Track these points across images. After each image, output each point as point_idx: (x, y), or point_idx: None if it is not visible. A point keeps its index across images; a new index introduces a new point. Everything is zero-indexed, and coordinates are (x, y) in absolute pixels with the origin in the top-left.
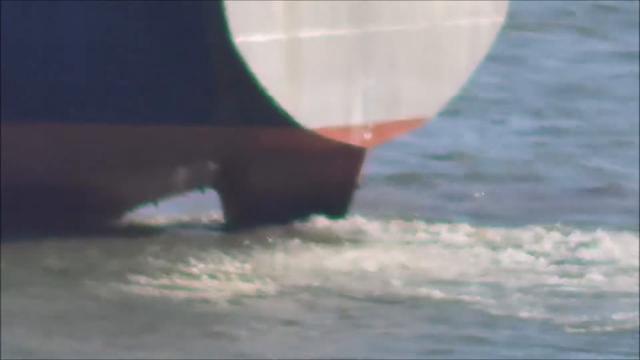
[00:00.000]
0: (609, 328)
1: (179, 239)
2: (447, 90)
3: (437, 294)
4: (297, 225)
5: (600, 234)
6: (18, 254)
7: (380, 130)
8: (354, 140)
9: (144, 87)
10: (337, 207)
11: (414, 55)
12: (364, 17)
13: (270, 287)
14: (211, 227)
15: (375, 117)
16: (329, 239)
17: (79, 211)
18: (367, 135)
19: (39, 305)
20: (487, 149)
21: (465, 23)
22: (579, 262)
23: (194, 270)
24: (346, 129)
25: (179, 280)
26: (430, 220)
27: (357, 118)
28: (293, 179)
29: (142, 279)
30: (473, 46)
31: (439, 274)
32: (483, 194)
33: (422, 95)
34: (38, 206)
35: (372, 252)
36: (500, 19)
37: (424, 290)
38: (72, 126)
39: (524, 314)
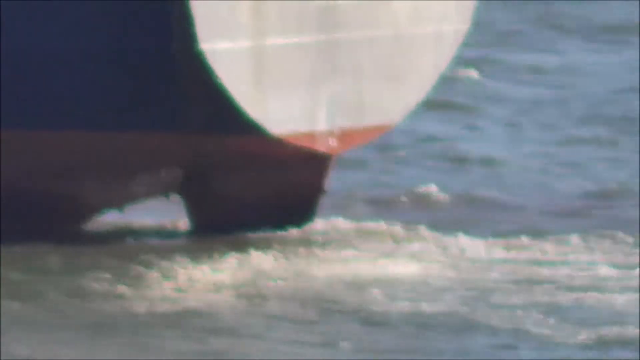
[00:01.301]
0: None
1: (143, 246)
2: (413, 96)
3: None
4: (264, 231)
5: None
6: None
7: (346, 136)
8: (320, 147)
9: (110, 93)
10: (303, 213)
11: (378, 61)
12: (329, 24)
13: (237, 295)
14: (176, 233)
15: (341, 123)
16: (299, 244)
17: (44, 217)
18: (333, 142)
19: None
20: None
21: (429, 30)
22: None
23: (155, 275)
24: (311, 136)
25: (140, 288)
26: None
27: (322, 124)
28: (259, 186)
29: (103, 286)
30: (437, 53)
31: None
32: None
33: (387, 101)
34: (4, 211)
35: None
36: (464, 25)
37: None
38: (38, 133)
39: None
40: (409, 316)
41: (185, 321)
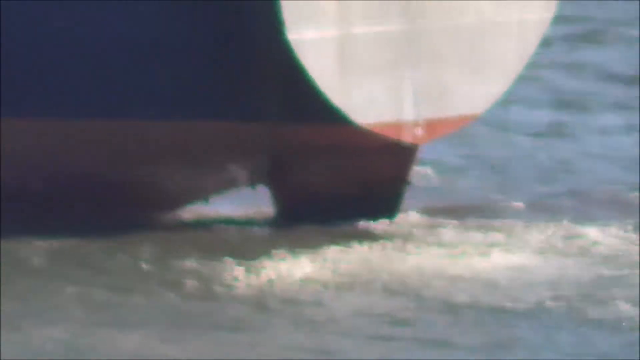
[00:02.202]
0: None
1: (230, 236)
2: (497, 86)
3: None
4: (349, 222)
5: None
6: (64, 246)
7: (431, 126)
8: (406, 137)
9: (194, 84)
10: (388, 205)
11: (463, 51)
12: (413, 13)
13: (324, 286)
14: (262, 223)
15: (426, 113)
16: (382, 236)
17: (132, 207)
18: (418, 132)
19: (86, 297)
20: None
21: (513, 19)
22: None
23: (243, 265)
24: (397, 126)
25: (229, 278)
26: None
27: (408, 114)
28: (344, 176)
29: (192, 277)
30: (522, 42)
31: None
32: None
33: (472, 91)
34: (91, 199)
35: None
36: (548, 14)
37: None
38: (124, 122)
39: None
40: (512, 309)
41: (281, 313)
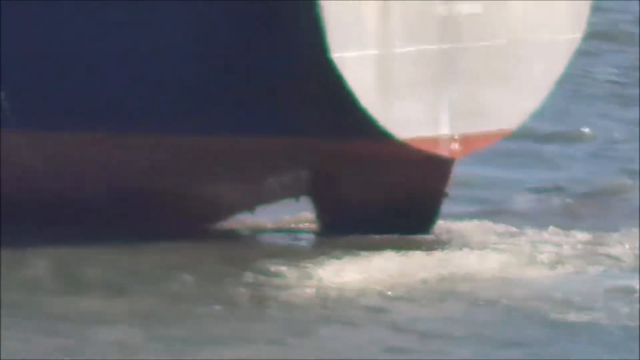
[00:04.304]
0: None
1: (275, 245)
2: (529, 103)
3: None
4: (390, 233)
5: None
6: (117, 255)
7: (467, 141)
8: (443, 151)
9: (242, 100)
10: (426, 216)
11: (496, 69)
12: (450, 33)
13: (383, 291)
14: (305, 232)
15: (462, 128)
16: (424, 243)
17: (180, 217)
18: (455, 146)
19: (136, 303)
20: None
21: (544, 39)
22: None
23: (290, 274)
24: (435, 140)
25: (277, 286)
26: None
27: (444, 129)
28: (384, 188)
29: (243, 285)
30: (552, 61)
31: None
32: None
33: (505, 108)
34: (141, 210)
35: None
36: (577, 35)
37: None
38: (172, 137)
39: None
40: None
41: (338, 318)
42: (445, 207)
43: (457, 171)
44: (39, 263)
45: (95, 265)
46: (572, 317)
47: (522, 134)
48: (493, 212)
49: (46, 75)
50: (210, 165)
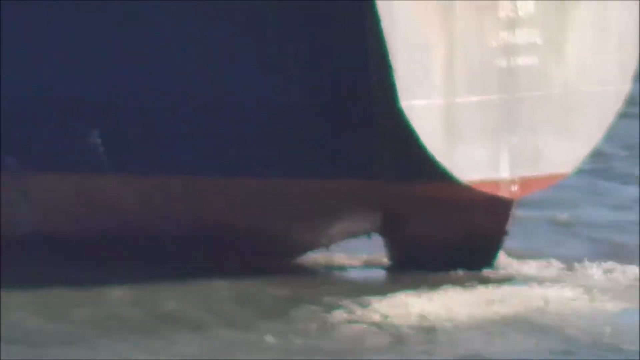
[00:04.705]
0: None
1: (349, 279)
2: (583, 148)
3: None
4: (455, 270)
5: None
6: (194, 290)
7: (526, 183)
8: (503, 193)
9: (316, 145)
10: (488, 253)
11: (552, 117)
12: (509, 84)
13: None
14: (378, 268)
15: (521, 172)
16: (488, 278)
17: (257, 254)
18: (514, 188)
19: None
20: None
21: (595, 90)
22: None
23: (364, 305)
24: (495, 183)
25: (351, 319)
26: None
27: (504, 173)
28: (448, 228)
29: (318, 317)
30: (603, 110)
31: None
32: None
33: (561, 153)
34: (222, 246)
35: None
36: (626, 86)
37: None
38: (250, 180)
39: None
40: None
41: (414, 348)
42: (507, 243)
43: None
44: (122, 297)
45: (173, 299)
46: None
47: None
48: (555, 247)
49: (141, 121)
50: (288, 206)
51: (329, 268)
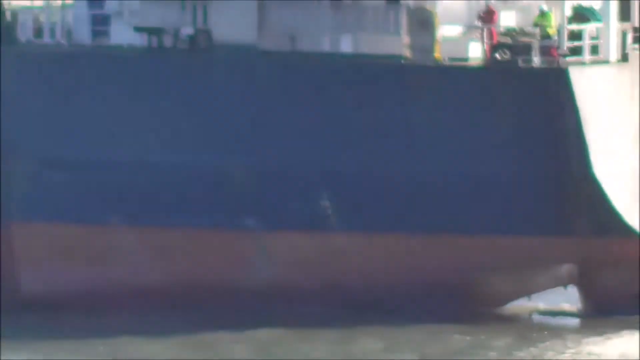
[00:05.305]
0: None
1: (548, 324)
2: None
3: None
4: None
5: None
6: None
7: None
8: None
9: (523, 208)
10: None
11: None
12: None
13: None
14: (572, 315)
15: None
16: None
17: (466, 302)
18: None
19: None
20: None
21: None
22: None
23: (563, 346)
24: None
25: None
26: None
27: None
28: (635, 278)
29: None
30: None
31: None
32: None
33: None
34: (435, 298)
35: None
36: None
37: None
38: (472, 238)
39: None
40: None
41: None
42: None
43: None
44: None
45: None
46: None
47: None
48: None
49: (366, 189)
50: (499, 261)
51: (531, 314)
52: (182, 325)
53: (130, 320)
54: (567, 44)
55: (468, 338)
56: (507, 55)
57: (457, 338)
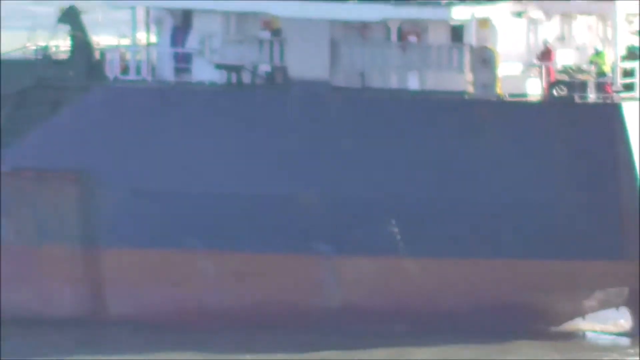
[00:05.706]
0: None
1: (601, 343)
2: None
3: None
4: None
5: None
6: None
7: None
8: None
9: (578, 234)
10: None
11: None
12: None
13: None
14: (623, 334)
15: None
16: None
17: (525, 322)
18: None
19: None
20: None
21: None
22: None
23: None
24: None
25: None
26: None
27: None
28: None
29: None
30: None
31: None
32: None
33: None
34: (500, 318)
35: None
36: None
37: None
38: (525, 261)
39: None
40: None
41: None
42: None
43: None
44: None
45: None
46: None
47: None
48: None
49: (439, 217)
50: (555, 282)
51: (585, 332)
52: (254, 346)
53: (207, 338)
54: (620, 81)
55: (530, 352)
56: (564, 92)
57: (516, 352)
